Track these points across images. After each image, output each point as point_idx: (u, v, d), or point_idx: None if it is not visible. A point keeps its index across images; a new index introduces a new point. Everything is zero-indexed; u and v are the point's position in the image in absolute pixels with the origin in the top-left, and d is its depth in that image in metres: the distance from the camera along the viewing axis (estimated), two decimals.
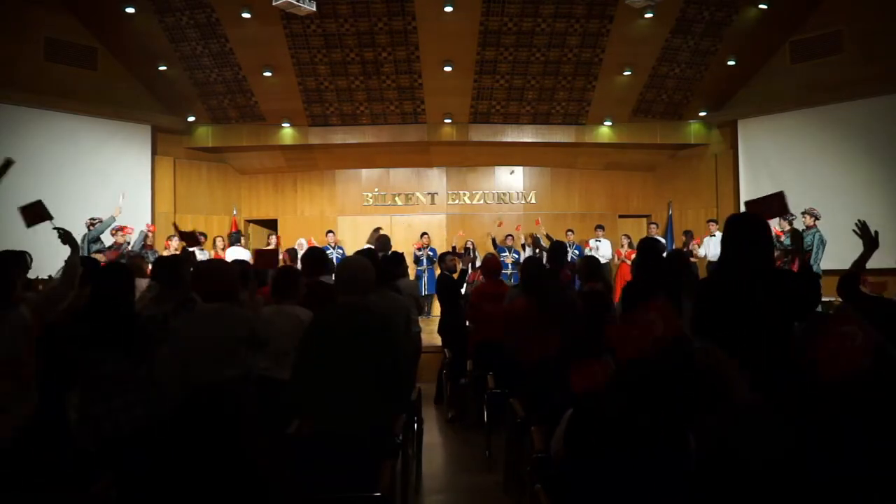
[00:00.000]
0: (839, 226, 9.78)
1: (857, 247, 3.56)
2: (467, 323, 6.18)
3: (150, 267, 8.50)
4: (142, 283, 5.42)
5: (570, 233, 12.16)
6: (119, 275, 3.09)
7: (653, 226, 12.21)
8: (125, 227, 10.44)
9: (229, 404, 2.89)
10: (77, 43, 11.16)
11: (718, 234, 10.65)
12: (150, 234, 10.51)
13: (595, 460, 2.08)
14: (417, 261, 11.97)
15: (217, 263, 3.91)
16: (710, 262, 10.31)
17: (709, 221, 11.14)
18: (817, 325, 1.98)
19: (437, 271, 8.88)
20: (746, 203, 4.63)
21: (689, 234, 11.31)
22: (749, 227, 2.65)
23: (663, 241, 11.53)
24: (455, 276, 6.96)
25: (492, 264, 6.21)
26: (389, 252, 6.01)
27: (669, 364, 2.08)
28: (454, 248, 11.94)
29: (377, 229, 10.93)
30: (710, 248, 10.51)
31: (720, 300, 2.51)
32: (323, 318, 3.11)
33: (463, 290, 8.07)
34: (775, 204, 4.36)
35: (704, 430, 1.99)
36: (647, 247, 4.62)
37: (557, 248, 6.27)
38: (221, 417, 2.77)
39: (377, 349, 2.93)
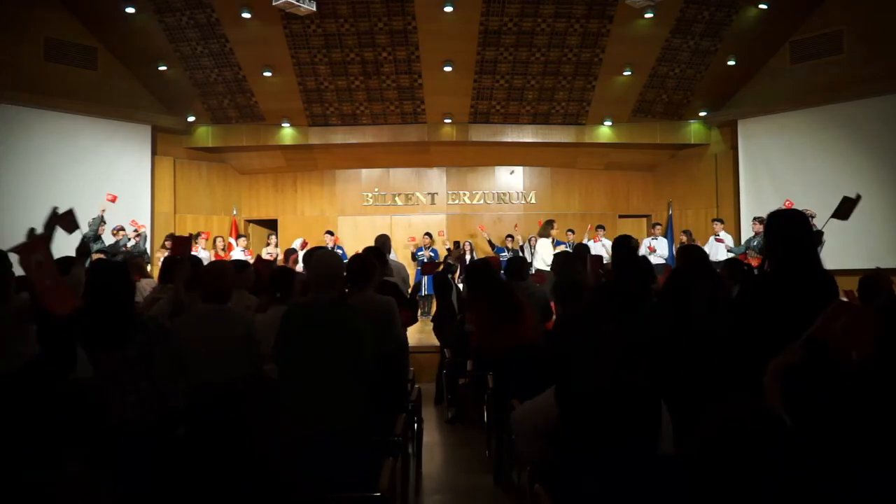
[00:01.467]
0: (838, 225, 9.82)
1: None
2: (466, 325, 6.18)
3: (149, 267, 8.54)
4: (142, 284, 5.44)
5: (570, 233, 12.16)
6: (118, 274, 3.09)
7: (657, 226, 12.07)
8: (139, 223, 10.45)
9: (238, 405, 2.90)
10: (77, 43, 11.16)
11: (723, 234, 10.66)
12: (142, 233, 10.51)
13: (578, 456, 2.08)
14: (415, 258, 12.02)
15: (214, 264, 3.92)
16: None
17: (714, 221, 11.11)
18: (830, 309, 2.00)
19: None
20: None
21: (688, 234, 11.31)
22: (795, 223, 2.69)
23: (636, 239, 11.43)
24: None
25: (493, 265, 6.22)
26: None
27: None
28: (456, 243, 12.04)
29: (550, 222, 10.71)
30: (713, 247, 10.49)
31: (777, 299, 2.55)
32: (297, 315, 3.07)
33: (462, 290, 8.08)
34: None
35: (701, 429, 1.99)
36: (617, 245, 4.64)
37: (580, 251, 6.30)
38: (231, 418, 2.78)
39: (356, 344, 2.93)
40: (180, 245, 5.32)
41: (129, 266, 4.78)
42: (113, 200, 9.84)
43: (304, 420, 2.86)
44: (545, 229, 10.86)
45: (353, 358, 2.93)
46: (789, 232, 2.72)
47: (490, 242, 12.32)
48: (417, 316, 5.41)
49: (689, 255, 4.19)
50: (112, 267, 3.30)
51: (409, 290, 6.92)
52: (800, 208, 8.56)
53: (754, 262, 8.25)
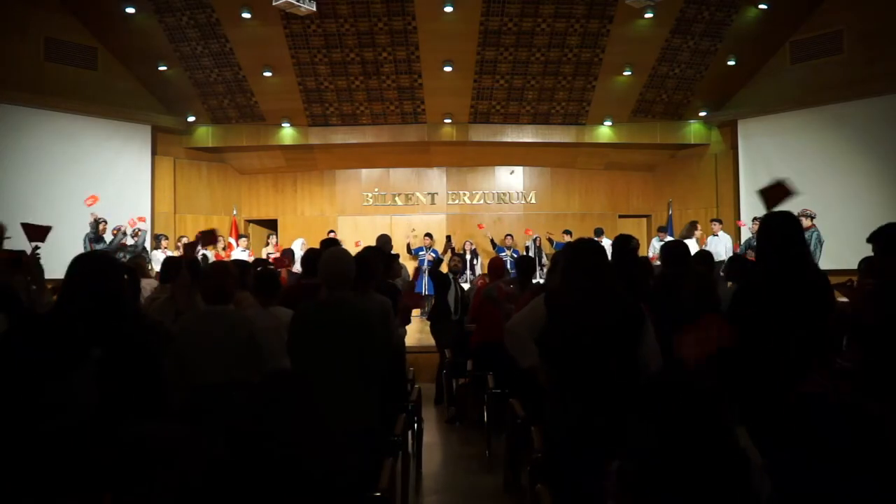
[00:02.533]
0: (838, 225, 9.82)
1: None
2: (465, 324, 6.19)
3: (150, 266, 8.52)
4: (142, 284, 5.43)
5: (566, 234, 12.16)
6: (122, 273, 3.07)
7: (662, 230, 11.95)
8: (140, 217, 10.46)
9: (237, 405, 2.89)
10: (77, 43, 11.16)
11: (721, 234, 10.66)
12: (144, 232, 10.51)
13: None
14: (410, 250, 12.07)
15: (215, 264, 3.91)
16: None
17: (712, 221, 11.11)
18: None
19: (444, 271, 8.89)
20: (761, 192, 4.56)
21: (693, 225, 11.17)
22: (785, 226, 2.72)
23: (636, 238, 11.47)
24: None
25: (496, 266, 6.22)
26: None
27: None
28: (453, 248, 12.05)
29: (694, 223, 10.31)
30: (712, 246, 10.48)
31: (762, 303, 2.58)
32: (308, 315, 3.07)
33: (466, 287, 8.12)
34: (782, 191, 4.32)
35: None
36: (618, 246, 4.49)
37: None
38: (230, 418, 2.76)
39: (367, 344, 2.93)
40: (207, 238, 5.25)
41: (134, 266, 4.78)
42: (93, 203, 9.90)
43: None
44: (689, 231, 10.59)
45: (364, 358, 2.92)
46: (783, 232, 2.74)
47: (492, 242, 12.32)
48: (410, 317, 5.37)
49: (670, 255, 4.03)
50: (116, 266, 3.28)
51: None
52: (800, 208, 8.65)
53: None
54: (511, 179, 13.55)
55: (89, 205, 9.90)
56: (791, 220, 2.83)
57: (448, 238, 12.32)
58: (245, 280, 4.45)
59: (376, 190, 13.46)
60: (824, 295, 2.73)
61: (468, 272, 11.59)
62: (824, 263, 8.39)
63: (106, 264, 2.77)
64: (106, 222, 10.05)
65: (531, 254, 11.60)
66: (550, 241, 12.40)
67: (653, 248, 11.70)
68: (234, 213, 13.19)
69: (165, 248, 10.50)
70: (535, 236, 12.28)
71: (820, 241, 8.57)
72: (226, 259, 10.00)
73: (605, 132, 12.56)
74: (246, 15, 10.06)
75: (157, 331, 2.90)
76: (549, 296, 2.78)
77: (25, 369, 2.22)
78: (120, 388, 2.39)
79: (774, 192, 4.02)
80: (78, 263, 2.69)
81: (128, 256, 9.13)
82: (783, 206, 3.23)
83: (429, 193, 13.50)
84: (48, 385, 2.22)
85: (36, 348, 2.30)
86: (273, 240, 12.00)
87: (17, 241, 3.79)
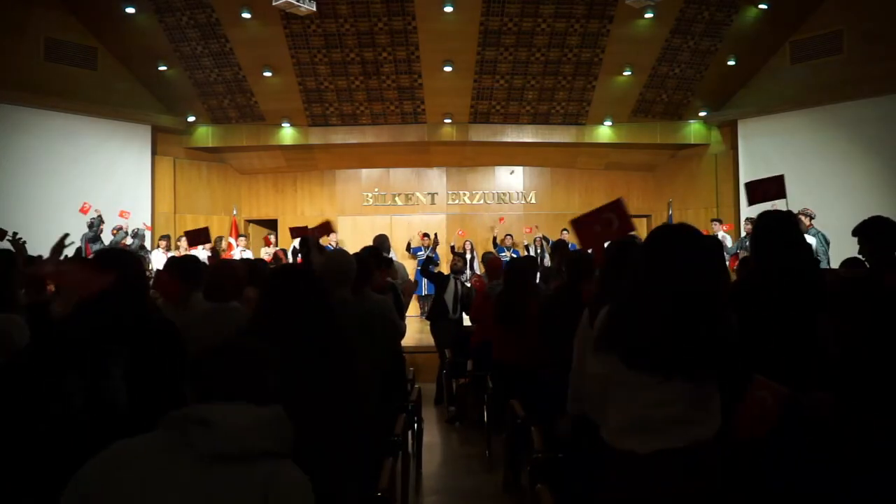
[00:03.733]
0: (839, 226, 9.82)
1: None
2: (465, 322, 6.19)
3: (150, 266, 8.52)
4: None
5: (564, 231, 12.14)
6: (143, 269, 3.05)
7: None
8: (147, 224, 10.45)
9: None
10: (77, 43, 11.16)
11: (721, 234, 10.65)
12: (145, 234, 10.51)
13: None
14: (408, 248, 12.06)
15: (223, 262, 3.91)
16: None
17: (712, 221, 11.11)
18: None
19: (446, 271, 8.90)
20: (747, 184, 4.62)
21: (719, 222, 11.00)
22: (784, 224, 2.70)
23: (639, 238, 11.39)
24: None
25: (494, 265, 6.21)
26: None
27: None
28: (452, 247, 12.05)
29: None
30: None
31: (758, 304, 2.56)
32: None
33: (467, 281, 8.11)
34: (773, 186, 4.36)
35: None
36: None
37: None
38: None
39: (372, 344, 2.93)
40: (196, 237, 5.24)
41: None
42: (86, 211, 9.89)
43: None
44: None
45: (365, 358, 2.92)
46: (780, 231, 2.73)
47: (494, 241, 12.32)
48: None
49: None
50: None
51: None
52: (800, 208, 8.61)
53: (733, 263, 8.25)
54: (511, 179, 13.55)
55: (85, 211, 9.90)
56: (788, 219, 2.82)
57: (435, 235, 12.33)
58: (256, 279, 4.45)
59: (376, 190, 13.46)
60: (824, 295, 2.71)
61: (468, 271, 11.59)
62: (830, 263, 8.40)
63: (129, 261, 2.71)
64: (104, 222, 10.03)
65: (532, 253, 11.58)
66: (547, 239, 12.38)
67: None
68: (234, 213, 13.18)
69: (165, 248, 10.49)
70: (536, 236, 12.24)
71: (826, 242, 8.54)
72: (227, 258, 10.00)
73: (605, 132, 12.56)
74: (246, 15, 10.06)
75: (171, 328, 2.89)
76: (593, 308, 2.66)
77: (50, 370, 2.20)
78: (148, 388, 2.36)
79: (763, 187, 4.04)
80: (98, 260, 2.63)
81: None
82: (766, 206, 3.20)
83: (429, 193, 13.50)
84: (74, 385, 2.19)
85: (60, 348, 2.27)
86: (272, 239, 11.99)
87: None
